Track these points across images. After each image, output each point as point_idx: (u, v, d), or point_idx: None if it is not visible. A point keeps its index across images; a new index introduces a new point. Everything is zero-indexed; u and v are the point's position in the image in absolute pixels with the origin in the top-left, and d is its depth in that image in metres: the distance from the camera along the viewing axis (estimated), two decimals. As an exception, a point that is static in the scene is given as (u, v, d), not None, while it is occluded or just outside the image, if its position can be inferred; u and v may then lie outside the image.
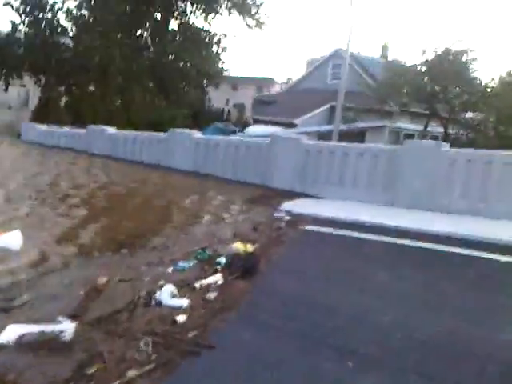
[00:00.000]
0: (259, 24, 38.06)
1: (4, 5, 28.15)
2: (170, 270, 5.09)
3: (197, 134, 13.05)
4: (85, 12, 29.81)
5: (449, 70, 18.69)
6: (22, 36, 27.67)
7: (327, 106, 27.38)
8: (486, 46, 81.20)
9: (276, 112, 28.20)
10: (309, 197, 10.66)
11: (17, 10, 28.41)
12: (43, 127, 17.35)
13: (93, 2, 29.57)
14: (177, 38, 35.30)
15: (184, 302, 4.09)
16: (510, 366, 3.45)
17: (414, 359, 3.40)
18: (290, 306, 4.25)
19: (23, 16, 27.98)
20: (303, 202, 9.93)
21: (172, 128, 14.89)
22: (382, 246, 6.82)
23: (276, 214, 8.35)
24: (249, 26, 38.33)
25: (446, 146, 9.99)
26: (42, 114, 19.68)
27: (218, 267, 5.14)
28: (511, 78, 19.04)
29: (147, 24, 32.91)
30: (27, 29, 27.88)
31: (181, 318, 3.77)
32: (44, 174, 10.90)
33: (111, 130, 14.97)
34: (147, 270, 5.01)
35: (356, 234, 7.25)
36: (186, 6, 37.22)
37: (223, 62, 38.30)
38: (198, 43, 36.58)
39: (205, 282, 4.65)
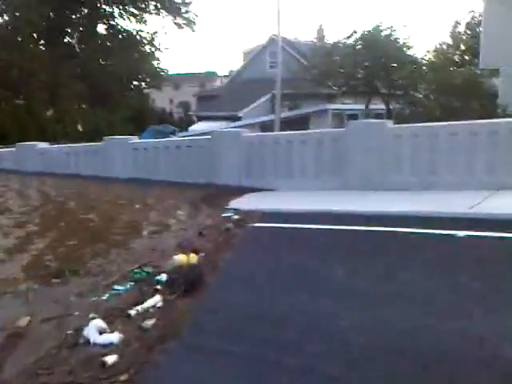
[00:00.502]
0: (190, 23, 37.25)
1: None
2: (104, 297, 4.52)
3: (133, 140, 12.34)
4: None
5: (384, 46, 18.65)
6: None
7: (269, 96, 27.01)
8: (417, 24, 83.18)
9: (219, 107, 27.68)
10: (257, 191, 10.20)
11: None
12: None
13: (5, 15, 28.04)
14: (107, 42, 34.15)
15: (115, 338, 3.53)
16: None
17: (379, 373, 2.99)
18: (237, 323, 3.78)
19: None
20: (251, 198, 9.48)
21: (111, 135, 14.17)
22: (333, 235, 6.46)
23: (223, 215, 7.85)
24: (179, 26, 37.46)
25: (390, 123, 9.76)
26: None
27: (159, 286, 4.61)
28: (443, 48, 19.21)
29: (72, 31, 31.60)
30: None
31: (110, 359, 3.22)
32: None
33: (42, 144, 14.03)
34: (78, 302, 4.41)
35: (307, 225, 6.86)
36: (112, 8, 36.03)
37: (159, 62, 37.44)
38: (129, 45, 35.51)
39: (142, 306, 4.11)
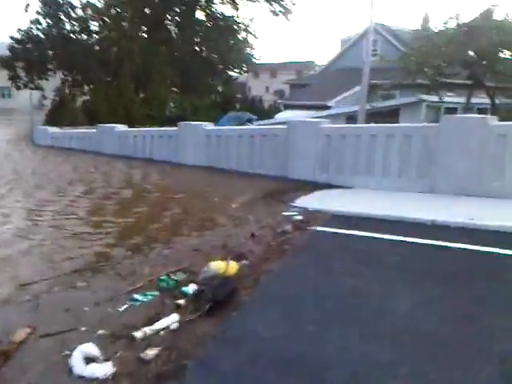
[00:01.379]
0: (286, 11, 36.31)
1: (26, 10, 27.76)
2: (121, 308, 3.87)
3: (208, 126, 11.77)
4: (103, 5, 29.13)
5: (492, 32, 16.56)
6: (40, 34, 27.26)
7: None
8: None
9: (309, 95, 26.60)
10: (333, 188, 9.22)
11: (38, 12, 28.04)
12: (55, 130, 16.55)
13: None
14: (203, 28, 34.18)
15: (102, 371, 2.83)
16: None
17: None
18: (260, 367, 2.93)
19: (45, 17, 27.55)
20: (323, 195, 8.51)
21: (195, 120, 13.83)
22: (412, 250, 5.37)
23: (285, 213, 6.99)
24: (274, 13, 36.65)
25: (493, 120, 8.31)
26: (56, 116, 18.93)
27: (182, 301, 3.88)
28: None
29: (172, 16, 31.89)
30: (49, 28, 27.44)
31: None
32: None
33: (120, 127, 13.93)
34: (91, 313, 3.80)
35: (380, 235, 5.81)
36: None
37: (252, 49, 36.94)
38: (225, 31, 35.31)
39: (152, 328, 3.40)
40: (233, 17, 36.21)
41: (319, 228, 6.25)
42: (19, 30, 28.05)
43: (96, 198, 8.47)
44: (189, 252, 5.31)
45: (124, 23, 29.26)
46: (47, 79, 29.18)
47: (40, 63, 27.69)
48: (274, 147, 10.40)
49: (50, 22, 27.51)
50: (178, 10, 33.38)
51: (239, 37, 36.71)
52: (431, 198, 7.98)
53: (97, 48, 26.19)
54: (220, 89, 30.30)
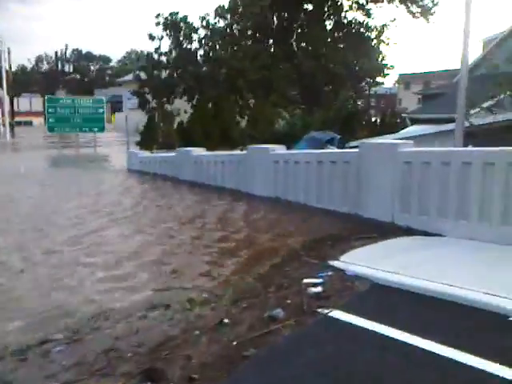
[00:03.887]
0: (425, 12, 33.04)
1: (149, 38, 28.75)
2: None
3: (278, 150, 10.02)
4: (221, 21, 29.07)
5: None
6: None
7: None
8: None
9: (441, 107, 23.23)
10: (414, 234, 6.91)
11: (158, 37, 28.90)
12: (144, 154, 16.11)
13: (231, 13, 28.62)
14: (329, 39, 32.46)
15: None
16: None
17: None
18: None
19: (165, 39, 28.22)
20: (387, 248, 6.25)
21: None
22: None
23: (307, 280, 5.00)
24: (413, 15, 33.55)
25: None
26: (149, 138, 18.65)
27: None
28: None
29: (294, 28, 30.69)
30: (171, 51, 28.05)
31: None
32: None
33: (197, 151, 12.81)
34: None
35: (443, 349, 3.54)
36: (341, 2, 34.11)
37: (383, 58, 34.17)
38: (355, 41, 33.15)
39: None
40: (364, 23, 33.94)
41: (334, 313, 4.19)
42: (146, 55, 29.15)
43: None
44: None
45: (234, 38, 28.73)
46: (172, 102, 29.90)
47: (166, 88, 28.39)
48: (345, 176, 8.31)
49: (171, 45, 28.13)
50: (301, 22, 32.15)
51: (372, 45, 34.28)
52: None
53: (207, 68, 26.02)
54: (349, 103, 28.06)
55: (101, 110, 24.04)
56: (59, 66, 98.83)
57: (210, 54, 26.46)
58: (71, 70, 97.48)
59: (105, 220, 8.41)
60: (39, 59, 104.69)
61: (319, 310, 4.25)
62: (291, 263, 5.63)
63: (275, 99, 25.68)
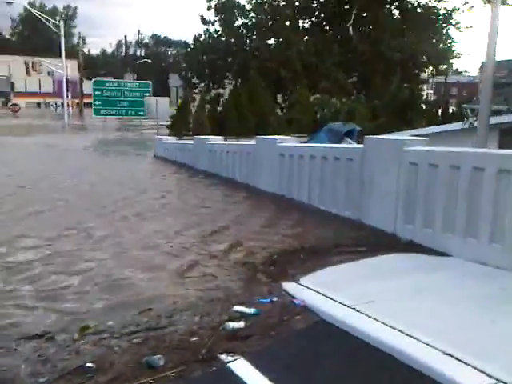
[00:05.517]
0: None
1: (202, 22, 28.11)
2: None
3: (287, 142, 8.95)
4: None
5: None
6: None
7: None
8: None
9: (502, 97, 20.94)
10: (414, 250, 5.73)
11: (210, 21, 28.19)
12: (169, 140, 15.45)
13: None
14: (389, 23, 30.40)
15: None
16: None
17: None
18: None
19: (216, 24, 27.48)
20: (373, 269, 5.12)
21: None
22: None
23: (239, 308, 4.04)
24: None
25: None
26: (180, 124, 17.88)
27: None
28: None
29: (352, 11, 28.94)
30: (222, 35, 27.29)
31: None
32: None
33: (213, 139, 11.95)
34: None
35: None
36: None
37: (452, 43, 31.59)
38: (420, 25, 30.87)
39: None
40: (430, 7, 31.52)
41: (237, 363, 3.21)
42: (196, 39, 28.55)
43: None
44: None
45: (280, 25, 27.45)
46: (224, 87, 29.23)
47: (214, 72, 27.75)
48: (348, 176, 7.16)
49: (221, 29, 27.33)
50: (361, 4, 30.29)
51: (440, 30, 31.82)
52: None
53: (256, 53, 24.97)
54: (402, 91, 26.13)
55: (147, 95, 23.77)
56: (132, 51, 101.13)
57: (251, 44, 25.47)
58: (143, 55, 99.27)
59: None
60: (119, 44, 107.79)
61: (222, 356, 3.30)
62: (237, 281, 4.66)
63: (326, 86, 24.33)
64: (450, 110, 29.85)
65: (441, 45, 30.22)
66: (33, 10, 37.71)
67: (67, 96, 40.58)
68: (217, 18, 27.18)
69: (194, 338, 3.55)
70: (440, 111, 27.16)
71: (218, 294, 4.35)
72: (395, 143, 6.32)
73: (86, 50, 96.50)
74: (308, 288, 4.47)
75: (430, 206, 5.77)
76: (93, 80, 25.21)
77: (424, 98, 32.81)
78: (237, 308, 4.04)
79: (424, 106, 27.32)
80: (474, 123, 11.55)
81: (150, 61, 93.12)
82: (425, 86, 40.33)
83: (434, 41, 31.70)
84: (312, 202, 7.92)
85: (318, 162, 7.81)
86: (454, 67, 34.28)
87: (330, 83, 23.98)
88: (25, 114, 43.17)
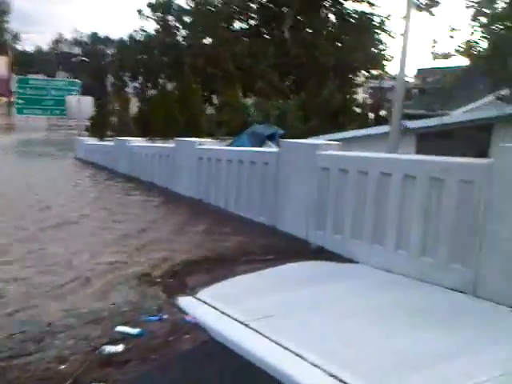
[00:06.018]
0: (433, 3, 31.27)
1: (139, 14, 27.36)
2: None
3: (207, 145, 8.64)
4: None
5: None
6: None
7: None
8: None
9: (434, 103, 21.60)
10: (323, 258, 5.58)
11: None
12: (91, 142, 14.79)
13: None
14: (324, 28, 30.85)
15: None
16: None
17: None
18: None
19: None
20: (276, 280, 4.91)
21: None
22: None
23: (121, 329, 3.68)
24: (418, 8, 31.76)
25: None
26: (100, 125, 17.23)
27: None
28: None
29: (287, 19, 29.06)
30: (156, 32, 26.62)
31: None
32: None
33: (134, 141, 11.47)
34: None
35: None
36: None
37: (384, 49, 32.44)
38: (353, 30, 31.50)
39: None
40: (363, 14, 32.25)
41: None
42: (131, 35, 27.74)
43: None
44: None
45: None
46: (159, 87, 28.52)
47: (149, 71, 27.03)
48: (264, 181, 6.94)
49: (157, 27, 26.69)
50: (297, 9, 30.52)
51: (373, 36, 32.60)
52: (476, 312, 3.98)
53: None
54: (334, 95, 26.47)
55: (74, 93, 22.70)
56: (69, 49, 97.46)
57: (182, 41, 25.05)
58: (80, 53, 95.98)
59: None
60: (56, 42, 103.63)
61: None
62: (128, 297, 4.28)
63: (262, 87, 24.26)
64: (382, 114, 30.59)
65: (373, 50, 30.94)
66: None
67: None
68: (153, 16, 26.54)
69: (63, 366, 3.17)
70: (373, 115, 27.75)
71: (103, 312, 3.97)
72: (308, 147, 6.15)
73: (20, 47, 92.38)
74: (204, 302, 4.18)
75: (340, 212, 5.63)
76: (16, 78, 23.83)
77: (360, 102, 33.51)
78: (120, 328, 3.68)
79: (358, 110, 27.80)
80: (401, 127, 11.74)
81: (86, 59, 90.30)
82: (360, 90, 41.31)
83: (369, 47, 32.44)
84: (228, 207, 7.65)
85: (234, 166, 7.55)
86: (391, 72, 35.01)
87: (265, 85, 23.91)
88: None
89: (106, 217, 7.54)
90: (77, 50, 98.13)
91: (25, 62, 74.72)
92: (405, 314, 3.95)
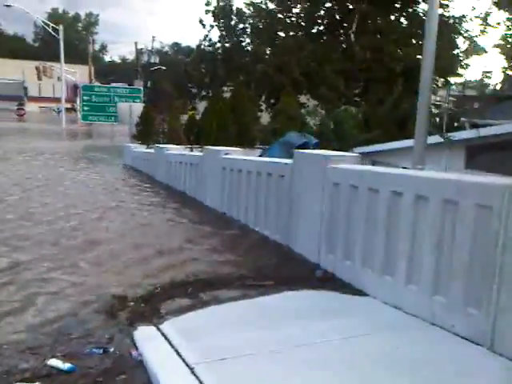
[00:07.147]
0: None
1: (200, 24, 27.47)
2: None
3: (230, 154, 8.11)
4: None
5: None
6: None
7: None
8: None
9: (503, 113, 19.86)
10: (335, 285, 4.89)
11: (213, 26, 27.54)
12: (137, 149, 14.69)
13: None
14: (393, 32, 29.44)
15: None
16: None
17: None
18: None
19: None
20: (265, 312, 4.28)
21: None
22: None
23: (53, 363, 3.23)
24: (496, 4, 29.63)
25: None
26: (146, 132, 17.06)
27: None
28: None
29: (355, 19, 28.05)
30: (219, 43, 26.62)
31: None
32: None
33: (172, 148, 11.17)
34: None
35: None
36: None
37: (460, 55, 30.41)
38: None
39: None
40: (441, 14, 30.47)
41: None
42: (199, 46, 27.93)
43: None
44: None
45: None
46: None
47: (214, 80, 27.08)
48: (279, 195, 6.32)
49: (222, 35, 26.65)
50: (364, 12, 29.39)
51: (446, 39, 30.75)
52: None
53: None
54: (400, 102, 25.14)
55: (137, 101, 23.13)
56: (152, 59, 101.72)
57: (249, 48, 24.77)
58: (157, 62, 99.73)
59: None
60: (140, 51, 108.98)
61: None
62: (84, 323, 3.84)
63: (325, 93, 23.51)
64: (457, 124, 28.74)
65: (457, 56, 29.22)
66: (35, 15, 37.46)
67: (75, 101, 40.40)
68: (215, 24, 26.54)
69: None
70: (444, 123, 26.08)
71: (46, 339, 3.55)
72: (319, 159, 5.45)
73: (108, 57, 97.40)
74: (162, 335, 3.65)
75: (351, 235, 4.91)
76: (81, 85, 24.70)
77: (432, 110, 31.67)
78: (51, 362, 3.24)
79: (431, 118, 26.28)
80: (450, 137, 10.64)
81: (164, 68, 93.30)
82: (438, 98, 39.23)
83: (444, 51, 30.63)
84: (248, 223, 7.08)
85: (253, 178, 6.99)
86: (470, 79, 32.96)
87: (330, 90, 23.16)
88: (29, 119, 42.88)
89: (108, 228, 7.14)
90: (157, 60, 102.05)
91: (108, 72, 78.53)
92: (401, 371, 3.20)
